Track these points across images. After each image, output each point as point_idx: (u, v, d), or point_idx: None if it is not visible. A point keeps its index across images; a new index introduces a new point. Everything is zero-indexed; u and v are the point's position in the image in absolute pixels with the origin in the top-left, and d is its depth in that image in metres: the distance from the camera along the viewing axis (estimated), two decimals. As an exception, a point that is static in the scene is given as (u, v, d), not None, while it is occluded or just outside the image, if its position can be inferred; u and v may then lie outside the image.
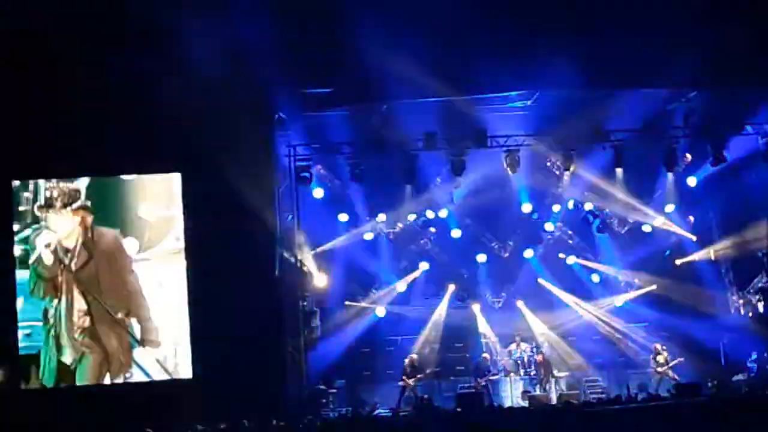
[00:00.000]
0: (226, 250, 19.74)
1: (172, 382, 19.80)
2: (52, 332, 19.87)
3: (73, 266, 19.99)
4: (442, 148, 22.79)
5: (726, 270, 25.49)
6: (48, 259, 19.94)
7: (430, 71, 19.85)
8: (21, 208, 20.06)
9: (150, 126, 19.50)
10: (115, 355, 19.95)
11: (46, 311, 19.90)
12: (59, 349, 19.86)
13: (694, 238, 25.46)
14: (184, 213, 20.19)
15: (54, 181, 20.06)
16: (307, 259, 23.11)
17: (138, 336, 19.97)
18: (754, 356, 23.32)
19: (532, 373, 24.01)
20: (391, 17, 18.93)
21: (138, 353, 19.95)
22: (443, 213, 25.27)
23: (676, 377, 23.03)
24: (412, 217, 25.31)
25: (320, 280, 23.73)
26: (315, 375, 22.59)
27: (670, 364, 23.52)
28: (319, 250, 24.02)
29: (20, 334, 19.84)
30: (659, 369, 23.55)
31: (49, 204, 20.05)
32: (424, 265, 25.78)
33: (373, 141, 22.36)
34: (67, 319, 19.91)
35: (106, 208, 20.29)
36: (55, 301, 19.94)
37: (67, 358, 19.87)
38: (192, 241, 20.09)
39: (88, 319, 19.94)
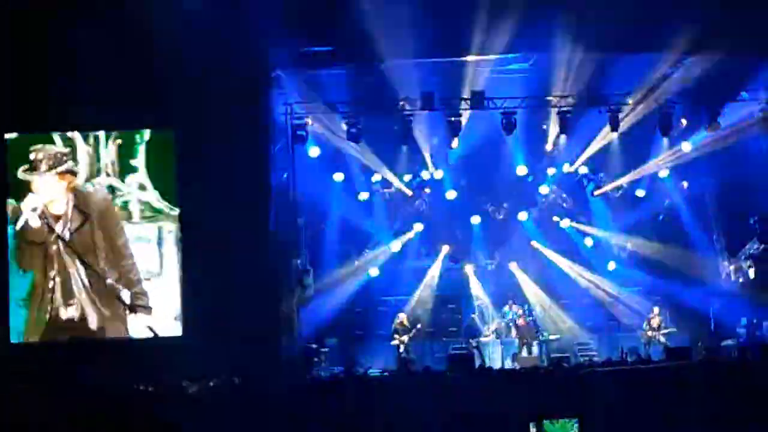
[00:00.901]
0: (220, 207, 19.70)
1: (161, 339, 19.76)
2: (43, 309, 19.69)
3: (67, 232, 19.72)
4: (439, 109, 22.73)
5: (717, 236, 25.56)
6: (35, 222, 19.66)
7: (428, 32, 19.81)
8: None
9: (145, 81, 19.40)
10: (109, 324, 19.80)
11: (34, 285, 19.68)
12: (42, 327, 19.71)
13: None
14: (177, 169, 20.14)
15: (38, 144, 19.81)
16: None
17: (128, 302, 19.84)
18: (743, 322, 23.42)
19: (517, 336, 24.08)
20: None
21: (130, 320, 19.81)
22: (438, 174, 25.29)
23: (666, 342, 23.18)
24: (407, 178, 25.33)
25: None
26: (307, 334, 22.66)
27: (662, 331, 23.67)
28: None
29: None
30: (649, 333, 23.71)
31: (34, 167, 19.71)
32: (418, 226, 25.84)
33: (370, 101, 22.33)
34: (65, 289, 19.68)
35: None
36: (52, 272, 19.69)
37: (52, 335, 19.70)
38: (185, 198, 20.08)
39: (84, 290, 19.75)
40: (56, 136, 20.06)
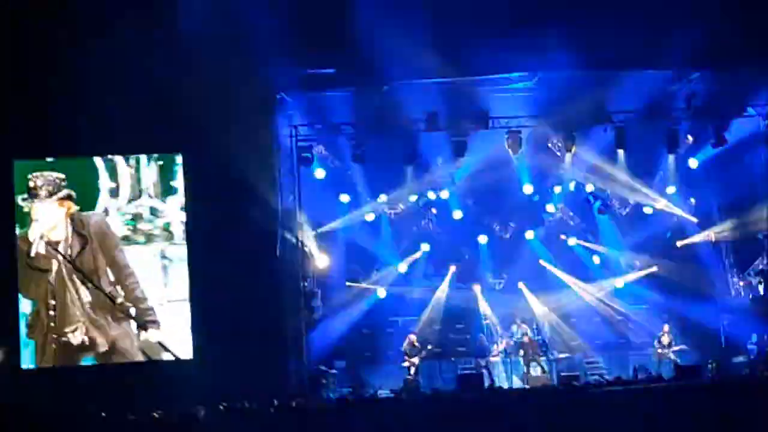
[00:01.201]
0: (227, 230, 19.71)
1: (171, 362, 19.59)
2: (49, 335, 19.57)
3: (69, 257, 19.58)
4: (444, 128, 22.71)
5: (726, 252, 25.50)
6: (42, 249, 19.52)
7: (432, 52, 19.81)
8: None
9: (152, 106, 19.42)
10: (119, 344, 19.72)
11: (38, 311, 19.59)
12: (52, 352, 19.60)
13: (695, 220, 25.45)
14: (185, 193, 20.12)
15: (37, 171, 19.61)
16: (309, 239, 23.11)
17: (138, 319, 19.73)
18: (754, 338, 23.33)
19: (522, 354, 23.99)
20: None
21: (142, 337, 19.74)
22: (445, 194, 25.28)
23: (677, 359, 23.09)
24: (413, 198, 25.31)
25: (321, 260, 23.76)
26: (316, 356, 22.61)
27: (673, 348, 23.58)
28: (320, 230, 24.02)
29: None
30: (659, 350, 23.62)
31: (34, 194, 19.53)
32: (425, 246, 25.81)
33: (375, 122, 22.34)
34: (66, 314, 19.57)
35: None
36: (51, 300, 19.54)
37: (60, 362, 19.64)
38: (193, 221, 20.06)
39: (91, 311, 19.65)
40: (97, 160, 19.99)
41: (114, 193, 20.04)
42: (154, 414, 15.76)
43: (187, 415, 15.89)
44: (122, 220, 20.03)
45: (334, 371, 23.14)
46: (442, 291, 25.67)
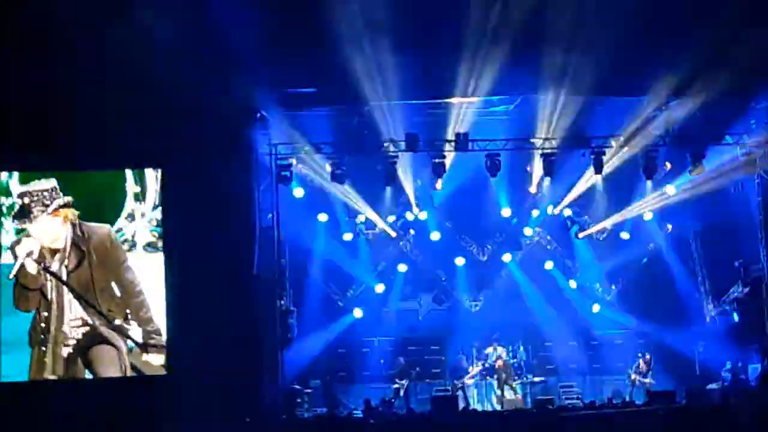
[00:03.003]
0: (204, 247, 19.69)
1: (145, 378, 19.49)
2: (41, 347, 19.10)
3: (64, 270, 19.19)
4: (424, 150, 22.75)
5: (702, 279, 25.60)
6: (32, 268, 19.13)
7: (412, 73, 19.89)
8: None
9: (131, 122, 19.37)
10: (111, 368, 19.29)
11: (33, 324, 19.12)
12: (43, 365, 19.06)
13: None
14: (162, 209, 20.05)
15: (25, 186, 19.31)
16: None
17: (140, 341, 19.43)
18: (728, 366, 23.39)
19: (496, 377, 24.00)
20: (374, 18, 18.90)
21: (137, 359, 19.38)
22: (423, 215, 25.28)
23: (651, 384, 23.17)
24: (391, 219, 25.32)
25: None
26: (290, 375, 22.54)
27: (645, 380, 23.63)
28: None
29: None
30: (633, 376, 23.69)
31: (26, 212, 19.20)
32: (402, 267, 25.79)
33: (354, 142, 22.37)
34: (57, 332, 19.14)
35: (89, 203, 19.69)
36: (44, 313, 19.12)
37: (54, 373, 19.14)
38: (170, 237, 20.01)
39: (82, 330, 19.27)
40: (129, 173, 19.87)
41: (140, 197, 19.84)
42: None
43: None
44: (148, 227, 19.83)
45: (308, 390, 23.10)
46: (419, 312, 25.67)
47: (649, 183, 24.35)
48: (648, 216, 25.26)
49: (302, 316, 23.50)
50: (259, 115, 21.28)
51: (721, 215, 24.52)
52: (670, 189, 24.34)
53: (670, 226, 25.73)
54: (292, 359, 22.63)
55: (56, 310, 19.26)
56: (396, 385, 23.54)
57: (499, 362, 23.99)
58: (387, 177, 23.34)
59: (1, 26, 18.43)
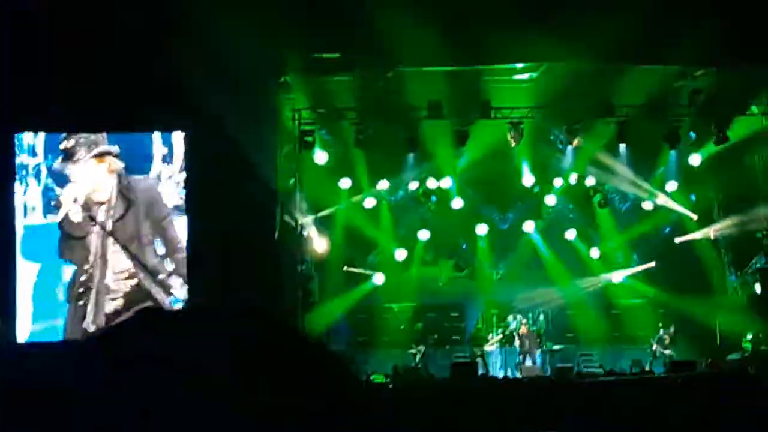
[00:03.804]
0: (226, 211, 19.68)
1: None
2: (78, 301, 18.65)
3: (110, 221, 18.73)
4: (447, 117, 22.72)
5: (725, 250, 25.53)
6: (76, 216, 18.82)
7: (437, 40, 19.81)
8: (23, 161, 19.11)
9: (155, 85, 19.38)
10: None
11: (75, 277, 18.71)
12: (83, 317, 18.57)
13: (695, 217, 25.48)
14: (186, 172, 20.12)
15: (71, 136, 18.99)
16: (308, 223, 23.14)
17: (183, 297, 19.25)
18: (749, 336, 23.38)
19: (519, 345, 24.06)
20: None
21: None
22: (445, 183, 25.27)
23: (672, 354, 23.17)
24: (414, 186, 25.32)
25: (320, 245, 23.80)
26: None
27: (665, 351, 23.61)
28: (319, 215, 24.05)
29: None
30: (654, 346, 23.68)
31: (70, 155, 18.82)
32: (423, 234, 25.81)
33: (378, 108, 22.35)
34: (100, 284, 18.70)
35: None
36: (87, 265, 18.69)
37: (95, 323, 18.57)
38: (193, 200, 20.07)
39: (129, 282, 18.93)
40: (157, 134, 19.60)
41: (167, 159, 19.60)
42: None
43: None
44: (176, 190, 19.55)
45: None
46: (439, 279, 25.71)
47: (672, 153, 24.25)
48: (671, 186, 25.16)
49: (323, 281, 23.57)
50: (283, 80, 21.25)
51: (744, 186, 24.39)
52: (694, 159, 24.24)
53: (693, 197, 25.64)
54: (313, 325, 22.72)
55: (101, 262, 18.90)
56: (413, 351, 23.62)
57: (523, 329, 24.04)
58: (410, 144, 23.31)
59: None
